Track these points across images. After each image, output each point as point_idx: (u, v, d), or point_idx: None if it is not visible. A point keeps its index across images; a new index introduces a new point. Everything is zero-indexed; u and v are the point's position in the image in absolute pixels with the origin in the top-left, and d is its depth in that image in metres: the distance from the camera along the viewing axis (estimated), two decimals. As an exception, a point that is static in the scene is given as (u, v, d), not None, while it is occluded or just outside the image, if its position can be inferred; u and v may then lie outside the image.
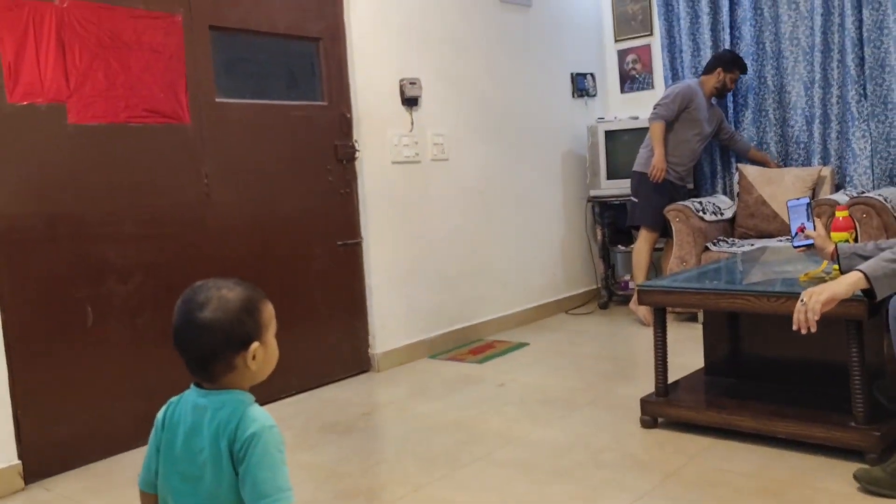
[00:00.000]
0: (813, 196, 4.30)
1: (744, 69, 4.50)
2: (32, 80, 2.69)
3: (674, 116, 4.43)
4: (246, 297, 1.23)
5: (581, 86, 5.20)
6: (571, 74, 5.15)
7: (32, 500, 2.55)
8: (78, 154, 2.82)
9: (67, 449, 2.76)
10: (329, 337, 3.69)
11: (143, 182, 3.00)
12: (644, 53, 5.25)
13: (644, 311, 4.36)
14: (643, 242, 4.53)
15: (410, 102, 4.03)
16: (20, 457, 2.62)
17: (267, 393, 3.24)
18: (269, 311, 1.26)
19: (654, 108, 4.44)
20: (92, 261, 2.85)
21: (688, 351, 3.56)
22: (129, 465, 2.76)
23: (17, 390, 2.63)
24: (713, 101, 4.60)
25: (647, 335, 3.99)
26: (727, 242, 4.38)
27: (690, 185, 4.66)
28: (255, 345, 1.22)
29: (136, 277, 2.97)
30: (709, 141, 4.60)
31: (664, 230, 4.46)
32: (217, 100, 3.26)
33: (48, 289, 2.74)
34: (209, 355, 1.20)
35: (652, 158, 4.40)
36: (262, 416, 1.21)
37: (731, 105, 4.77)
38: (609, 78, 5.42)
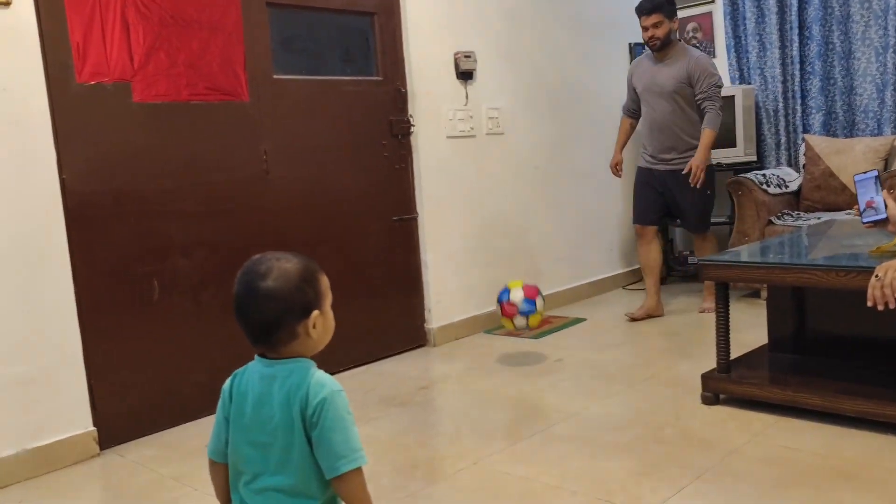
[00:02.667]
0: (885, 167, 4.13)
1: (638, 12, 3.96)
2: (99, 61, 2.75)
3: (633, 102, 4.19)
4: (304, 268, 1.25)
5: (640, 56, 5.07)
6: (629, 45, 5.03)
7: (108, 465, 2.66)
8: (142, 132, 2.88)
9: (138, 417, 2.86)
10: (386, 311, 3.72)
11: (204, 159, 3.06)
12: (705, 21, 5.09)
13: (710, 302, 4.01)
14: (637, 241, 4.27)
15: (465, 76, 4.00)
16: (95, 424, 2.72)
17: (325, 366, 3.26)
18: (325, 281, 1.29)
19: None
20: (156, 236, 2.93)
21: (749, 327, 3.48)
22: (196, 434, 2.85)
23: (91, 361, 2.73)
24: (671, 58, 3.96)
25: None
26: (792, 216, 4.25)
27: (672, 166, 4.00)
28: (316, 313, 1.25)
29: (198, 252, 3.04)
30: (675, 102, 3.94)
31: (655, 221, 4.15)
32: (275, 76, 3.29)
33: (116, 263, 2.82)
34: (273, 323, 1.22)
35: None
36: (329, 381, 1.24)
37: (797, 73, 4.60)
38: (668, 48, 5.27)
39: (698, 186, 3.89)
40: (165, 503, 2.32)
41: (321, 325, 1.26)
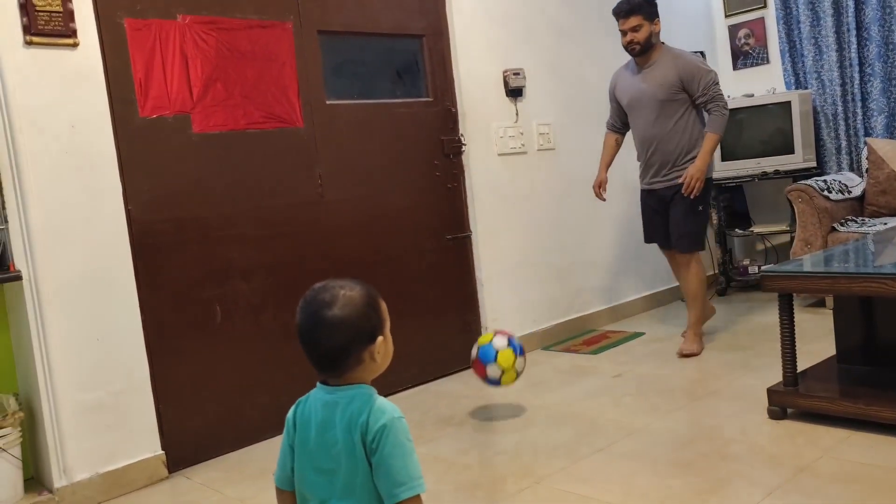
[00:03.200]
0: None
1: (615, 14, 3.61)
2: (160, 94, 2.85)
3: (617, 117, 3.80)
4: (367, 294, 1.27)
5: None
6: (679, 54, 4.97)
7: (176, 488, 2.73)
8: (202, 161, 2.97)
9: (203, 440, 2.92)
10: (441, 330, 3.73)
11: (261, 185, 3.14)
12: (758, 27, 5.01)
13: (691, 343, 3.63)
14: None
15: (515, 93, 4.01)
16: (163, 447, 2.80)
17: (382, 387, 3.27)
18: (384, 306, 1.31)
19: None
20: (217, 262, 3.00)
21: (815, 338, 3.38)
22: (259, 456, 2.90)
23: (158, 385, 2.81)
24: (653, 63, 3.59)
25: (771, 322, 3.82)
26: (857, 222, 4.12)
27: (670, 181, 3.59)
28: (380, 338, 1.27)
29: (257, 276, 3.11)
30: (667, 111, 3.55)
31: (663, 242, 3.75)
32: (327, 102, 3.36)
33: (180, 289, 2.90)
34: (341, 351, 1.24)
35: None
36: (389, 407, 1.25)
37: (857, 75, 4.48)
38: (720, 55, 5.20)
39: (692, 197, 3.48)
40: (232, 524, 2.36)
41: (384, 349, 1.28)
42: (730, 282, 4.93)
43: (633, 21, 3.52)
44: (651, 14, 3.55)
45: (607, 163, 3.86)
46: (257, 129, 3.13)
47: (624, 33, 3.57)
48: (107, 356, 2.68)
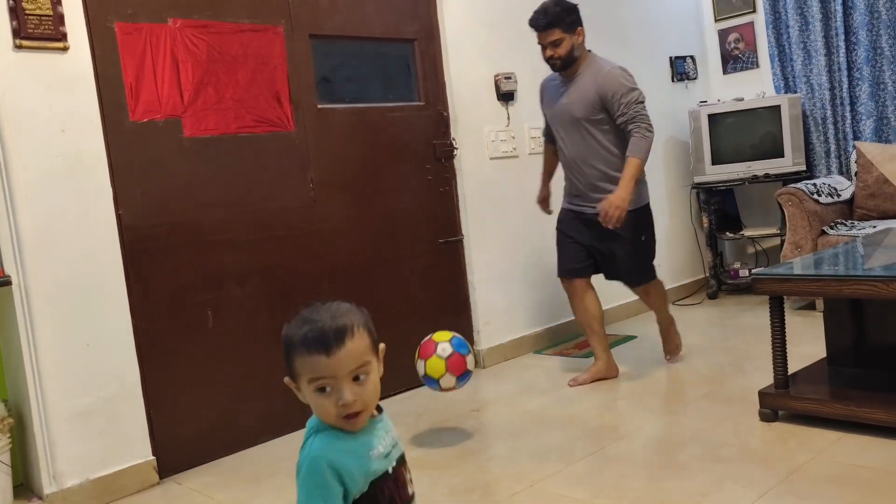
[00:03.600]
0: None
1: (532, 26, 3.22)
2: (151, 99, 2.84)
3: (550, 126, 3.42)
4: (356, 306, 1.25)
5: (680, 69, 5.05)
6: (670, 58, 5.00)
7: (167, 494, 2.71)
8: (193, 165, 2.96)
9: (195, 445, 2.91)
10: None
11: (254, 189, 3.13)
12: (747, 31, 5.04)
13: (594, 373, 3.40)
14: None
15: (506, 97, 4.02)
16: (154, 453, 2.78)
17: (377, 390, 3.32)
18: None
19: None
20: (210, 266, 2.99)
21: (806, 341, 3.40)
22: (252, 461, 2.89)
23: (149, 390, 2.79)
24: (577, 77, 3.24)
25: (761, 324, 3.83)
26: (846, 225, 4.15)
27: (595, 207, 3.18)
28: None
29: (251, 281, 3.10)
30: (587, 131, 3.21)
31: (583, 272, 3.38)
32: (319, 106, 3.36)
33: (172, 294, 2.89)
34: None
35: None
36: (313, 448, 1.20)
37: (845, 79, 4.51)
38: (710, 59, 5.23)
39: (614, 228, 3.09)
40: (225, 530, 2.35)
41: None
42: (721, 285, 4.95)
43: (552, 35, 3.17)
44: (571, 25, 3.18)
45: (549, 175, 3.55)
46: (249, 133, 3.12)
47: (543, 48, 3.22)
48: (97, 361, 2.66)
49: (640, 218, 3.29)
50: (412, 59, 3.76)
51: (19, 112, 2.52)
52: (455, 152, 3.82)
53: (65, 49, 2.60)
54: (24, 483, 2.68)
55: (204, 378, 2.95)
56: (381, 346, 1.27)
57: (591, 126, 3.22)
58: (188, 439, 2.89)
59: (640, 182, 3.21)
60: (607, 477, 2.40)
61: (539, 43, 3.24)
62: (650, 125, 3.16)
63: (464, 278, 3.87)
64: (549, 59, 3.24)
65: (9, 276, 2.49)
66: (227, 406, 3.00)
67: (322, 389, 1.19)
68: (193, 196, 2.96)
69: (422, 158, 3.72)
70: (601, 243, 3.29)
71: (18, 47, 2.51)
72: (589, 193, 3.27)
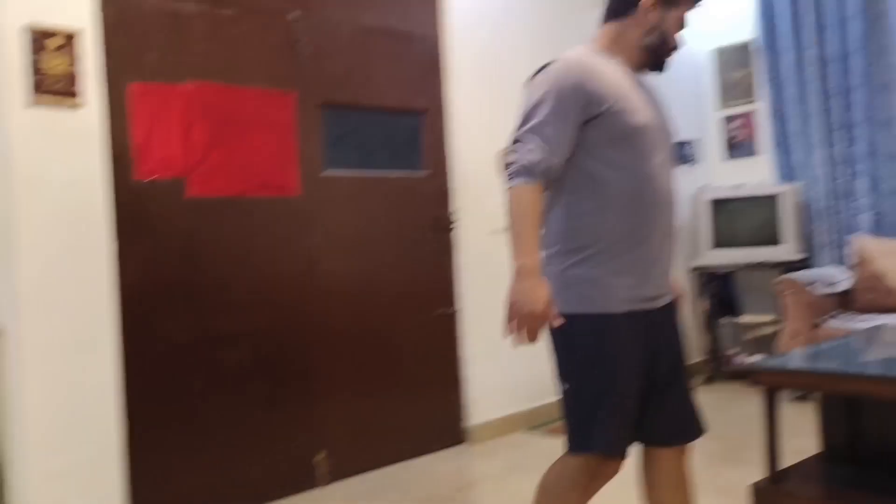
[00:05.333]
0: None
1: None
2: (158, 158, 2.88)
3: (566, 151, 1.97)
4: None
5: (681, 153, 5.13)
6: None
7: (140, 561, 2.63)
8: (196, 226, 2.98)
9: (175, 510, 2.84)
10: (424, 407, 3.68)
11: (255, 252, 3.14)
12: (748, 120, 5.14)
13: None
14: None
15: (510, 173, 4.06)
16: (131, 517, 2.72)
17: (360, 463, 3.26)
18: None
19: (512, 152, 1.99)
20: (205, 328, 2.98)
21: (802, 433, 3.34)
22: (231, 530, 2.81)
23: (133, 454, 2.74)
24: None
25: (757, 413, 3.77)
26: (844, 318, 4.15)
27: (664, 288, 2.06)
28: None
29: (245, 343, 3.07)
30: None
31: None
32: (324, 173, 3.40)
33: (164, 354, 2.87)
34: None
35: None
36: None
37: (844, 173, 4.56)
38: (711, 144, 5.32)
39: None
40: None
41: None
42: (717, 370, 4.91)
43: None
44: None
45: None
46: (253, 197, 3.15)
47: (683, 24, 2.09)
48: (82, 420, 2.62)
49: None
50: (419, 129, 3.82)
51: (29, 165, 2.56)
52: (454, 224, 3.85)
53: (78, 106, 2.66)
54: (-4, 541, 2.61)
55: (193, 441, 2.90)
56: None
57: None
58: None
59: None
60: (594, 568, 2.33)
61: (683, 15, 2.04)
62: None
63: (457, 351, 3.85)
64: (676, 43, 2.07)
65: (4, 326, 2.48)
66: (217, 470, 2.94)
67: None
68: (193, 256, 2.97)
69: (422, 228, 3.74)
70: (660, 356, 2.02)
71: (35, 103, 2.56)
72: (667, 270, 2.01)
